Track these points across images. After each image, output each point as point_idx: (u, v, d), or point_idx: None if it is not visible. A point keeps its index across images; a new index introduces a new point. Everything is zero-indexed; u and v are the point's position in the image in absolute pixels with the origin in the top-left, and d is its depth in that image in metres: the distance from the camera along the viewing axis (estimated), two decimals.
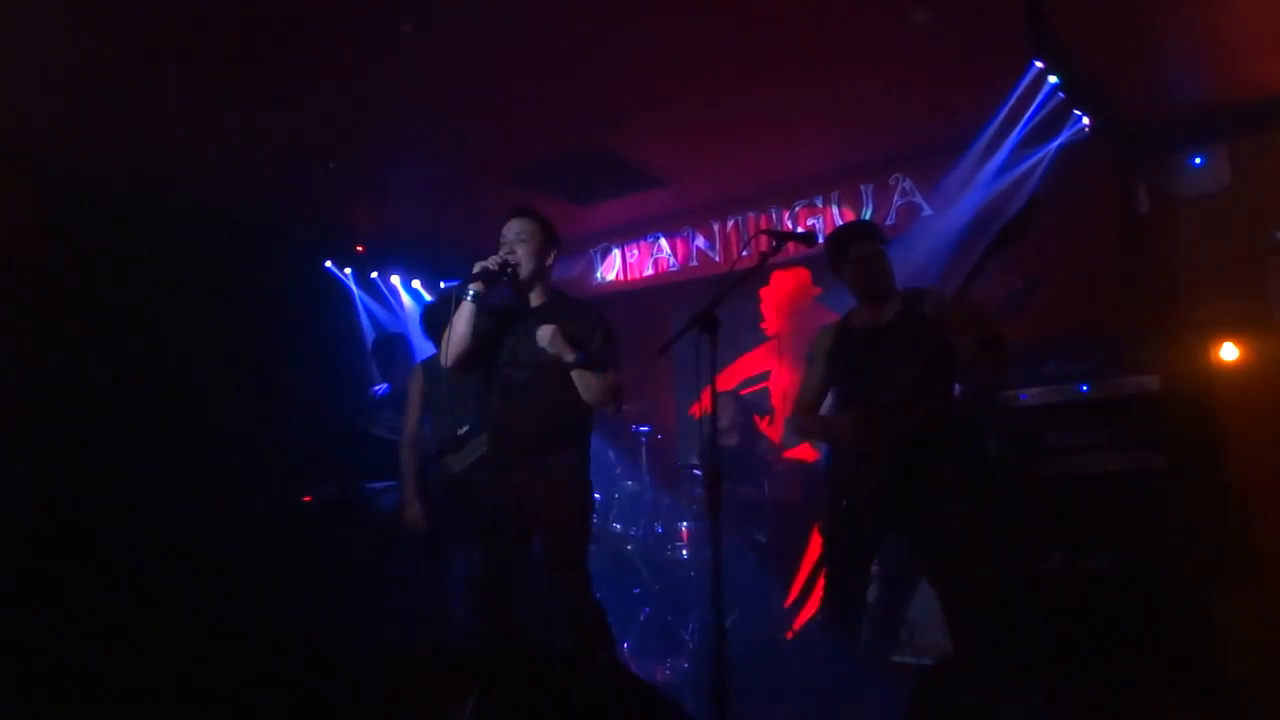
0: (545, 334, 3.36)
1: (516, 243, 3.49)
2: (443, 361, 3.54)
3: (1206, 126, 5.21)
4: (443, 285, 7.75)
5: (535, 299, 3.59)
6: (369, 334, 7.04)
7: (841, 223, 6.08)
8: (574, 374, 3.38)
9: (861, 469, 3.36)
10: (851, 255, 3.53)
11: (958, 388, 4.33)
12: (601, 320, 3.55)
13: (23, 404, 5.09)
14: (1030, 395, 4.47)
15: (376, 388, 5.62)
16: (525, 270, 3.49)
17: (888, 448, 3.31)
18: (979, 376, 3.33)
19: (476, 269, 3.39)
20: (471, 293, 3.39)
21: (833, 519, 3.57)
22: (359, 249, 7.13)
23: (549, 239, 3.58)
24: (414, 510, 4.38)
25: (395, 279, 7.45)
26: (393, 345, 5.68)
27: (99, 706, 3.19)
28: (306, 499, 5.44)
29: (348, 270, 7.12)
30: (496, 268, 3.39)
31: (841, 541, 3.51)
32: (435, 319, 4.50)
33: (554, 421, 3.45)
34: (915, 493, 3.31)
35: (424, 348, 5.72)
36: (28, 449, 5.02)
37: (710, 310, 3.00)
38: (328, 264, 7.02)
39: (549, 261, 3.57)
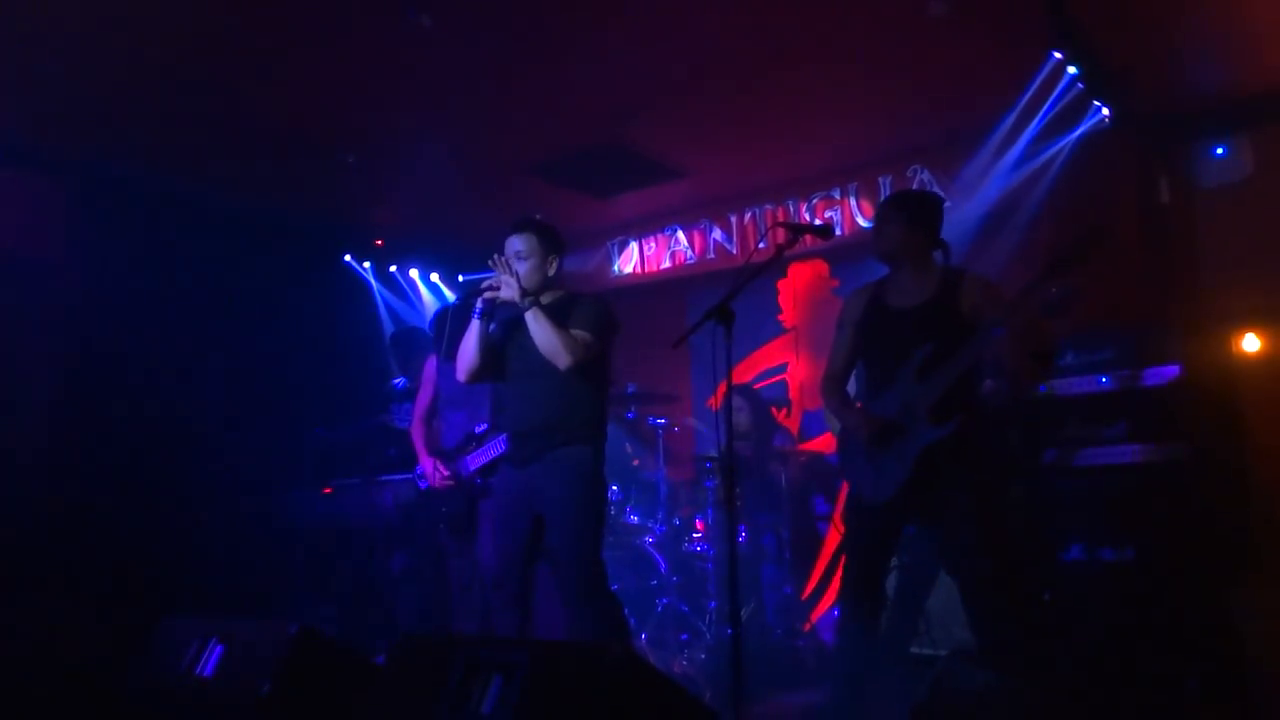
0: (507, 286, 3.39)
1: (515, 261, 3.49)
2: (458, 377, 3.64)
3: (1229, 116, 5.16)
4: (461, 279, 7.78)
5: (542, 301, 3.60)
6: (388, 327, 7.09)
7: (859, 214, 6.08)
8: (527, 317, 3.39)
9: (880, 471, 3.31)
10: (876, 217, 3.57)
11: (988, 383, 4.33)
12: (597, 299, 3.60)
13: (49, 399, 5.16)
14: (1050, 387, 4.44)
15: (395, 380, 5.66)
16: (527, 286, 3.49)
17: (909, 456, 3.24)
18: (1020, 381, 3.31)
19: (483, 293, 3.46)
20: (478, 311, 3.49)
21: (851, 510, 3.57)
22: (378, 243, 7.17)
23: (549, 249, 3.56)
24: (435, 467, 4.41)
25: (414, 273, 7.48)
26: (411, 339, 5.71)
27: (115, 697, 3.24)
28: (326, 491, 5.50)
29: (367, 264, 7.16)
30: (496, 290, 3.45)
31: (859, 532, 3.50)
32: (440, 330, 4.58)
33: (563, 414, 3.46)
34: (933, 489, 3.28)
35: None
36: (53, 443, 5.09)
37: (725, 303, 3.00)
38: (347, 258, 7.06)
39: (551, 273, 3.57)
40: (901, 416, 3.28)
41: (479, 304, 3.47)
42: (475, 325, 3.51)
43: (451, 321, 4.06)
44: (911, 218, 3.48)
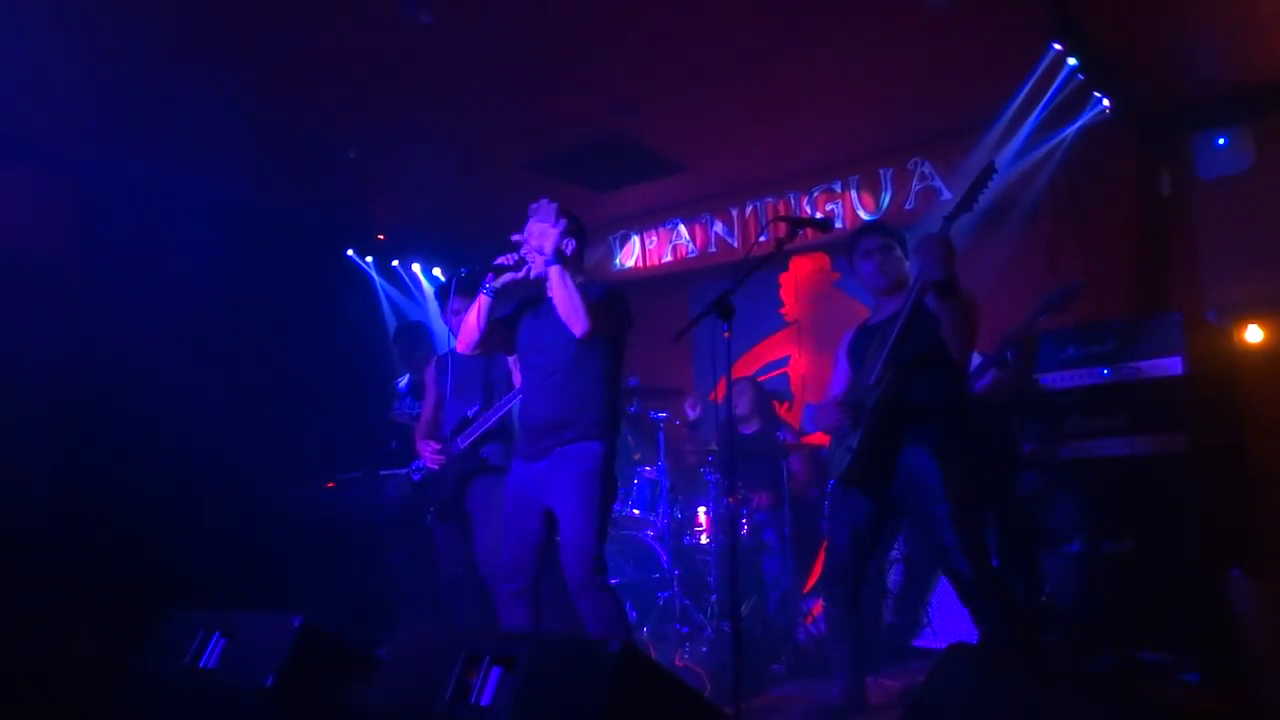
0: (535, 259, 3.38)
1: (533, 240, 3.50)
2: (457, 347, 3.63)
3: (1230, 106, 5.14)
4: (463, 272, 7.78)
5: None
6: (391, 322, 7.10)
7: (860, 207, 6.09)
8: (551, 273, 3.34)
9: (841, 446, 3.46)
10: (859, 251, 3.64)
11: (992, 373, 4.36)
12: (609, 288, 3.56)
13: (54, 393, 5.17)
14: (1051, 379, 4.45)
15: (399, 377, 5.68)
16: (539, 267, 3.48)
17: (863, 426, 3.37)
18: (946, 331, 3.28)
19: (493, 264, 3.44)
20: (486, 286, 3.44)
21: (830, 496, 3.73)
22: (380, 237, 7.18)
23: (566, 232, 3.53)
24: (430, 449, 4.40)
25: (416, 267, 7.49)
26: (412, 334, 5.73)
27: (123, 691, 3.26)
28: (329, 485, 5.52)
29: (369, 259, 7.17)
30: (511, 263, 3.44)
31: (836, 512, 3.63)
32: (441, 298, 4.58)
33: (577, 409, 3.46)
34: (887, 448, 3.36)
35: (444, 335, 5.78)
36: (57, 437, 5.11)
37: (726, 297, 3.01)
38: (349, 253, 7.07)
39: (568, 250, 3.52)
40: (861, 395, 3.44)
41: (490, 280, 3.44)
42: (484, 300, 3.47)
43: (458, 286, 4.04)
44: (902, 244, 3.66)
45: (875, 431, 3.35)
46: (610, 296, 3.50)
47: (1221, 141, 5.18)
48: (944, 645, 4.27)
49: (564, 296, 3.31)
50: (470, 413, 4.26)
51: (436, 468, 4.32)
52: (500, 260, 3.45)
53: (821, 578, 3.93)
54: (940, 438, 3.33)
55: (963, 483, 3.30)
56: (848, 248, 3.72)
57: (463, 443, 4.24)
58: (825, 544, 5.29)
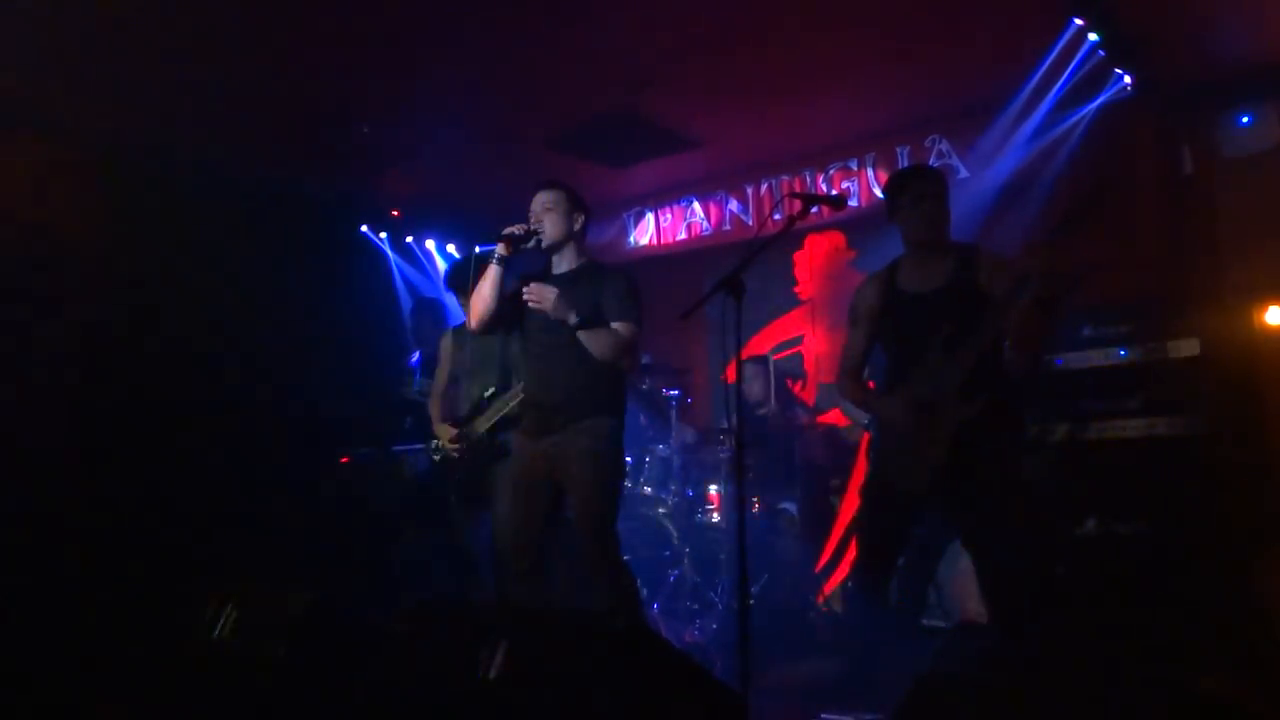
0: (545, 299, 3.35)
1: (541, 212, 3.52)
2: (468, 324, 3.61)
3: (1255, 83, 5.04)
4: (477, 250, 7.79)
5: (564, 265, 3.60)
6: (404, 298, 7.12)
7: (877, 185, 6.03)
8: (580, 335, 3.39)
9: (913, 456, 3.23)
10: (912, 194, 3.32)
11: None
12: (625, 277, 3.55)
13: (69, 369, 5.22)
14: (1067, 360, 4.42)
15: (412, 352, 5.70)
16: (550, 237, 3.51)
17: (942, 438, 3.16)
18: (1023, 337, 3.14)
19: (503, 233, 3.43)
20: (496, 255, 3.44)
21: (876, 491, 3.49)
22: (394, 214, 7.18)
23: (575, 207, 3.59)
24: (446, 432, 4.41)
25: (430, 243, 7.49)
26: (427, 310, 5.74)
27: (139, 663, 3.30)
28: (343, 460, 5.56)
29: (383, 235, 7.18)
30: (521, 233, 3.43)
31: (884, 515, 3.43)
32: (458, 278, 4.56)
33: (585, 385, 3.47)
34: (968, 471, 3.18)
35: (458, 312, 5.79)
36: (75, 415, 5.16)
37: (736, 274, 2.98)
38: (364, 229, 7.08)
39: (576, 228, 3.56)
40: (932, 398, 3.20)
41: (498, 250, 3.44)
42: (493, 271, 3.47)
43: (477, 267, 3.99)
44: (948, 195, 3.38)
45: (960, 450, 3.14)
46: (639, 303, 3.50)
47: (1246, 120, 5.08)
48: (951, 625, 4.29)
49: (600, 348, 3.40)
50: (486, 395, 4.26)
51: (458, 456, 4.34)
52: (510, 230, 3.45)
53: (852, 574, 3.83)
54: (999, 425, 3.18)
55: (1013, 461, 3.24)
56: (893, 189, 3.41)
57: (481, 427, 4.25)
58: (838, 523, 5.30)
